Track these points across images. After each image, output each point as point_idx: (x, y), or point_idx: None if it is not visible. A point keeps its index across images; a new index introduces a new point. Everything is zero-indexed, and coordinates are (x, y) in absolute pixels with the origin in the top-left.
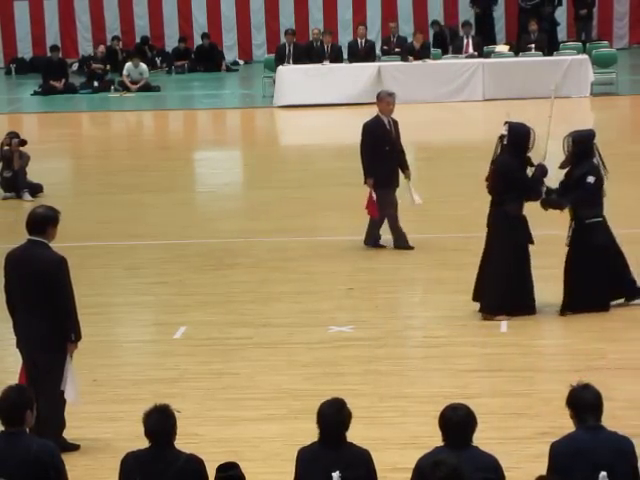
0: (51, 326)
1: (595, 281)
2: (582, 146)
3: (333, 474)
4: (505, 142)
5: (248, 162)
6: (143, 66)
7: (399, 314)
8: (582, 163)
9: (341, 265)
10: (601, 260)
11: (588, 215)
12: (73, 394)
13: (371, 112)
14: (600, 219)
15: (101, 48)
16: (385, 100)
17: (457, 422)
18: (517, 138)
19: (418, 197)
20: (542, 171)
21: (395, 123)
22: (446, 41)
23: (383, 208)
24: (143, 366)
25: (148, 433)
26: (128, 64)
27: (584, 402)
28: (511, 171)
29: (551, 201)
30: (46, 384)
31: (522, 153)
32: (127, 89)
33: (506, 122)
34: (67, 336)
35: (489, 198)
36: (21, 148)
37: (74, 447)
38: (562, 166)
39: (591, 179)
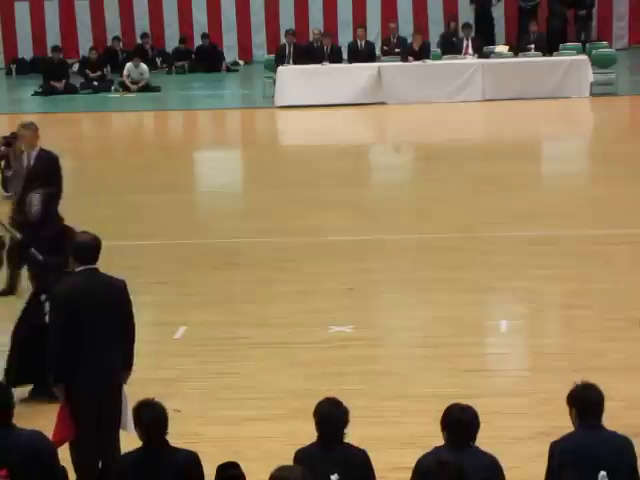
0: (124, 355)
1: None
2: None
3: (331, 477)
4: None
5: (248, 162)
6: (143, 66)
7: (399, 314)
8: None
9: (341, 265)
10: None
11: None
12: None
13: (371, 112)
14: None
15: (93, 53)
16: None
17: (463, 422)
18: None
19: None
20: None
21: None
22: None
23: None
24: (143, 366)
25: (143, 427)
26: (128, 64)
27: (587, 402)
28: None
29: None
30: (116, 419)
31: None
32: (127, 89)
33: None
34: (130, 362)
35: (489, 198)
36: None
37: None
38: None
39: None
